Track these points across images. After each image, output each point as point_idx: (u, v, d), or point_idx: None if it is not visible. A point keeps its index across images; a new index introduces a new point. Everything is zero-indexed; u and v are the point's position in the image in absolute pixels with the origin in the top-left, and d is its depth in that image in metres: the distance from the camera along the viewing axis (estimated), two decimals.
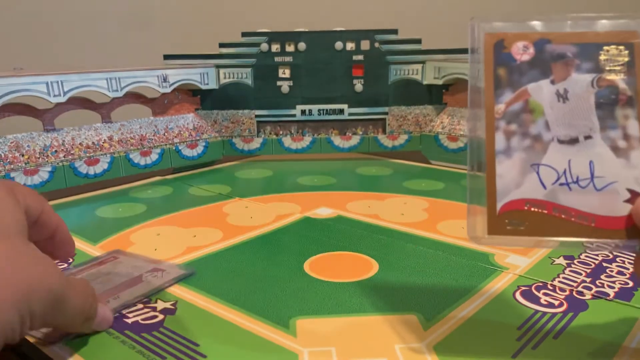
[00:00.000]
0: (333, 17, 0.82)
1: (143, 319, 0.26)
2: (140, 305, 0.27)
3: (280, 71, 0.58)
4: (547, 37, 0.21)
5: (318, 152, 0.60)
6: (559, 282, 0.29)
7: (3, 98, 0.43)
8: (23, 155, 0.45)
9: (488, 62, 0.21)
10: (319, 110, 0.59)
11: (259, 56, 0.57)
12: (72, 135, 0.49)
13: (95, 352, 0.23)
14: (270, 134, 0.60)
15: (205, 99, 0.58)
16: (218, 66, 0.57)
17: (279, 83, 0.58)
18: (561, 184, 0.20)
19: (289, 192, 0.48)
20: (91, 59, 0.81)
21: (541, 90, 0.21)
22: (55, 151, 0.47)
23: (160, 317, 0.26)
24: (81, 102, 0.50)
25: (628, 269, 0.31)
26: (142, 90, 0.54)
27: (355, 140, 0.60)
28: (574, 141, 0.20)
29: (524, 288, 0.29)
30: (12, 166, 0.44)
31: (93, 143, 0.49)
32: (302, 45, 0.57)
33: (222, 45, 0.57)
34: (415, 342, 0.24)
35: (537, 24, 0.21)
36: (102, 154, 0.49)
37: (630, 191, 0.20)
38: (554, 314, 0.26)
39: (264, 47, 0.57)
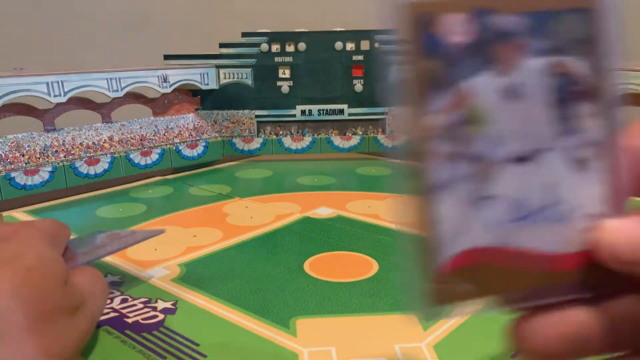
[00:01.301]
0: (333, 18, 0.83)
1: (143, 319, 0.26)
2: (140, 305, 0.27)
3: (280, 71, 0.58)
4: (489, 6, 0.14)
5: (318, 152, 0.60)
6: None
7: (3, 98, 0.43)
8: (23, 155, 0.45)
9: (408, 50, 0.14)
10: (319, 110, 0.59)
11: (259, 56, 0.57)
12: (73, 135, 0.49)
13: (95, 352, 0.23)
14: (270, 134, 0.60)
15: (206, 99, 0.59)
16: (218, 66, 0.57)
17: (279, 83, 0.58)
18: (516, 220, 0.15)
19: (289, 192, 0.48)
20: (91, 59, 0.81)
21: (484, 88, 0.15)
22: (56, 151, 0.47)
23: (161, 316, 0.26)
24: (81, 102, 0.50)
25: None
26: (143, 90, 0.54)
27: (355, 140, 0.60)
28: (528, 157, 0.15)
29: None
30: (12, 166, 0.44)
31: (93, 143, 0.49)
32: (302, 46, 0.57)
33: (222, 45, 0.57)
34: (416, 342, 0.24)
35: None
36: (102, 154, 0.49)
37: (592, 217, 0.15)
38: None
39: (264, 47, 0.57)
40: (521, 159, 0.15)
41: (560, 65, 0.15)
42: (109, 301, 0.28)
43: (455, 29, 0.14)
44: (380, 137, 0.60)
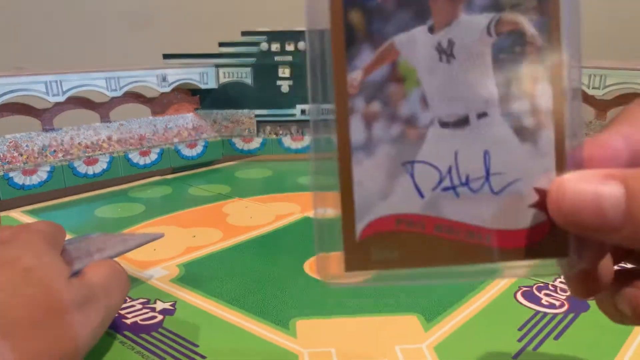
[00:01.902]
0: None
1: (142, 320, 0.26)
2: (139, 306, 0.27)
3: (280, 70, 0.58)
4: None
5: None
6: (560, 282, 0.29)
7: (1, 98, 0.43)
8: (22, 155, 0.45)
9: (334, 3, 0.13)
10: None
11: (259, 55, 0.57)
12: (71, 135, 0.48)
13: (94, 352, 0.23)
14: (270, 133, 0.59)
15: (205, 99, 0.58)
16: (217, 65, 0.57)
17: (278, 82, 0.58)
18: (445, 189, 0.14)
19: (289, 192, 0.48)
20: (90, 58, 0.80)
21: (416, 45, 0.14)
22: (54, 151, 0.47)
23: (160, 317, 0.26)
24: (80, 102, 0.50)
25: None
26: (141, 89, 0.53)
27: None
28: (462, 122, 0.14)
29: (525, 288, 0.29)
30: (10, 166, 0.44)
31: (92, 143, 0.49)
32: (302, 45, 0.57)
33: (221, 44, 0.57)
34: (416, 343, 0.24)
35: None
36: (101, 154, 0.49)
37: (538, 191, 0.14)
38: (555, 315, 0.26)
39: (264, 46, 0.57)
40: (452, 123, 0.14)
41: (506, 23, 0.14)
42: None
43: None
44: None
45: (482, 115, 0.14)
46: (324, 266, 0.14)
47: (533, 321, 0.25)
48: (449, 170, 0.14)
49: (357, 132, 0.14)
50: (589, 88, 0.47)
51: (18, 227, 0.23)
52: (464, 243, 0.14)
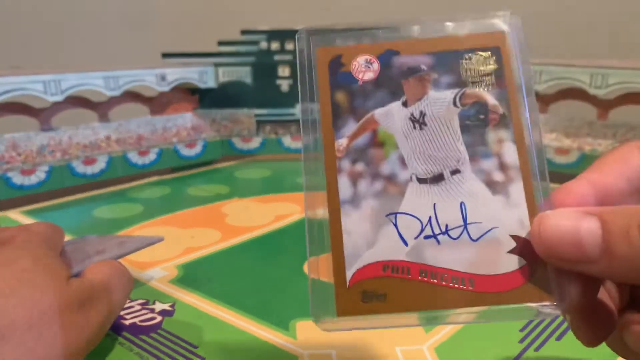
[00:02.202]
0: (333, 16, 0.82)
1: (141, 321, 0.26)
2: (138, 307, 0.27)
3: (280, 70, 0.58)
4: (394, 48, 0.17)
5: None
6: None
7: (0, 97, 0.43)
8: (20, 155, 0.45)
9: (323, 86, 0.16)
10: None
11: (259, 54, 0.57)
12: (70, 134, 0.48)
13: (93, 353, 0.23)
14: (269, 133, 0.59)
15: (204, 98, 0.58)
16: (217, 65, 0.57)
17: (278, 82, 0.58)
18: (427, 237, 0.15)
19: (289, 192, 0.47)
20: (88, 57, 0.80)
21: (392, 117, 0.16)
22: (52, 151, 0.46)
23: (159, 318, 0.26)
24: (78, 101, 0.49)
25: None
26: (140, 89, 0.53)
27: None
28: (437, 179, 0.16)
29: None
30: (9, 166, 0.44)
31: (90, 142, 0.49)
32: None
33: (221, 43, 0.57)
34: (417, 345, 0.23)
35: (379, 32, 0.17)
36: (99, 154, 0.49)
37: (515, 238, 0.15)
38: (557, 316, 0.26)
39: (264, 45, 0.57)
40: (428, 180, 0.16)
41: (469, 96, 0.16)
42: None
43: (363, 67, 0.17)
44: None
45: (455, 172, 0.16)
46: (317, 309, 0.15)
47: (535, 322, 0.25)
48: (429, 220, 0.16)
49: (344, 188, 0.16)
50: (590, 87, 0.47)
51: (16, 229, 0.23)
52: (447, 288, 0.15)
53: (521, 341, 0.24)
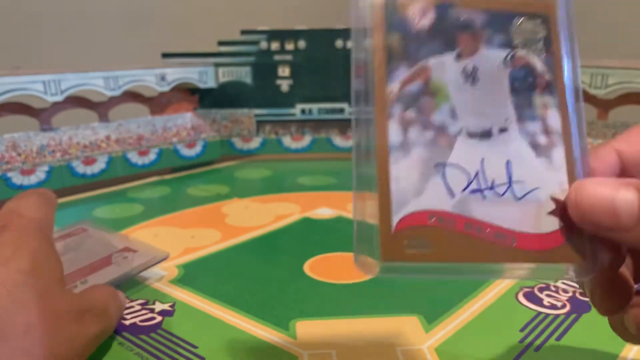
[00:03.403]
0: (333, 16, 0.82)
1: (141, 321, 0.26)
2: (138, 307, 0.27)
3: (280, 70, 0.58)
4: (451, 1, 0.17)
5: (318, 152, 0.60)
6: (562, 283, 0.29)
7: None
8: (20, 155, 0.45)
9: (377, 29, 0.16)
10: (319, 109, 0.59)
11: (259, 54, 0.57)
12: (69, 134, 0.48)
13: (92, 354, 0.23)
14: (269, 133, 0.59)
15: (204, 98, 0.58)
16: (217, 65, 0.57)
17: (278, 82, 0.58)
18: (473, 191, 0.16)
19: (289, 192, 0.47)
20: (88, 57, 0.80)
21: (445, 68, 0.16)
22: (52, 151, 0.46)
23: (158, 318, 0.26)
24: (78, 101, 0.49)
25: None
26: (140, 89, 0.53)
27: None
28: (486, 134, 0.16)
29: (526, 289, 0.28)
30: (9, 166, 0.44)
31: (90, 142, 0.49)
32: (301, 44, 0.57)
33: (220, 43, 0.57)
34: (417, 345, 0.23)
35: None
36: (99, 154, 0.49)
37: (555, 200, 0.16)
38: (557, 316, 0.26)
39: (264, 45, 0.57)
40: (482, 134, 0.16)
41: (521, 58, 0.17)
42: None
43: (418, 16, 0.16)
44: None
45: (503, 130, 0.16)
46: (363, 260, 0.15)
47: (535, 322, 0.25)
48: (476, 175, 0.16)
49: (394, 134, 0.16)
50: (590, 87, 0.47)
51: (6, 211, 0.22)
52: (490, 242, 0.15)
53: (521, 341, 0.24)
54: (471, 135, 0.16)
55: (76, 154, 0.48)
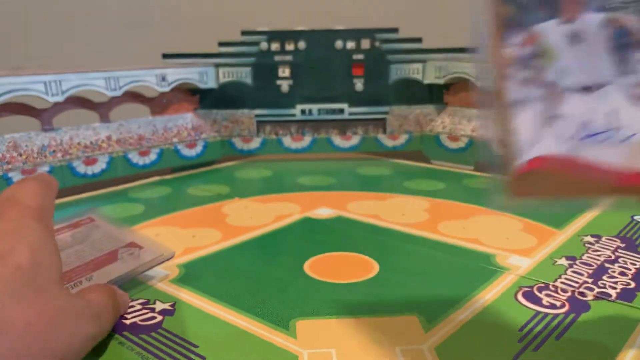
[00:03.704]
0: (333, 16, 0.82)
1: (141, 320, 0.26)
2: (138, 307, 0.27)
3: (280, 70, 0.58)
4: None
5: (318, 152, 0.60)
6: (561, 282, 0.29)
7: (0, 97, 0.43)
8: (21, 155, 0.45)
9: (494, 1, 0.19)
10: (319, 109, 0.59)
11: (259, 55, 0.57)
12: (70, 134, 0.48)
13: (93, 353, 0.23)
14: (269, 133, 0.59)
15: (204, 99, 0.58)
16: (217, 65, 0.57)
17: (278, 82, 0.58)
18: (582, 138, 0.18)
19: (289, 192, 0.48)
20: (89, 58, 0.80)
21: (552, 32, 0.19)
22: (53, 151, 0.47)
23: (159, 318, 0.26)
24: (79, 102, 0.49)
25: (630, 269, 0.31)
26: (141, 89, 0.53)
27: (355, 140, 0.60)
28: (590, 89, 0.19)
29: (525, 289, 0.28)
30: (10, 166, 0.44)
31: (91, 143, 0.49)
32: (302, 44, 0.57)
33: (221, 44, 0.57)
34: (416, 344, 0.24)
35: None
36: (100, 154, 0.49)
37: None
38: (556, 315, 0.26)
39: (264, 46, 0.57)
40: (585, 88, 0.19)
41: (616, 20, 0.19)
42: None
43: None
44: (380, 136, 0.60)
45: (603, 84, 0.19)
46: (495, 194, 0.18)
47: (534, 322, 0.25)
48: (584, 124, 0.18)
49: (513, 92, 0.18)
50: None
51: (3, 199, 0.22)
52: (597, 179, 0.18)
53: (520, 340, 0.24)
54: (577, 90, 0.19)
55: (77, 154, 0.48)
